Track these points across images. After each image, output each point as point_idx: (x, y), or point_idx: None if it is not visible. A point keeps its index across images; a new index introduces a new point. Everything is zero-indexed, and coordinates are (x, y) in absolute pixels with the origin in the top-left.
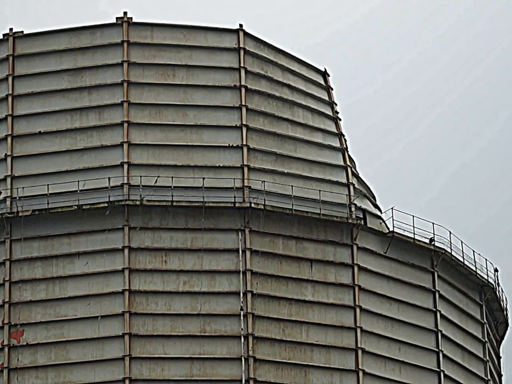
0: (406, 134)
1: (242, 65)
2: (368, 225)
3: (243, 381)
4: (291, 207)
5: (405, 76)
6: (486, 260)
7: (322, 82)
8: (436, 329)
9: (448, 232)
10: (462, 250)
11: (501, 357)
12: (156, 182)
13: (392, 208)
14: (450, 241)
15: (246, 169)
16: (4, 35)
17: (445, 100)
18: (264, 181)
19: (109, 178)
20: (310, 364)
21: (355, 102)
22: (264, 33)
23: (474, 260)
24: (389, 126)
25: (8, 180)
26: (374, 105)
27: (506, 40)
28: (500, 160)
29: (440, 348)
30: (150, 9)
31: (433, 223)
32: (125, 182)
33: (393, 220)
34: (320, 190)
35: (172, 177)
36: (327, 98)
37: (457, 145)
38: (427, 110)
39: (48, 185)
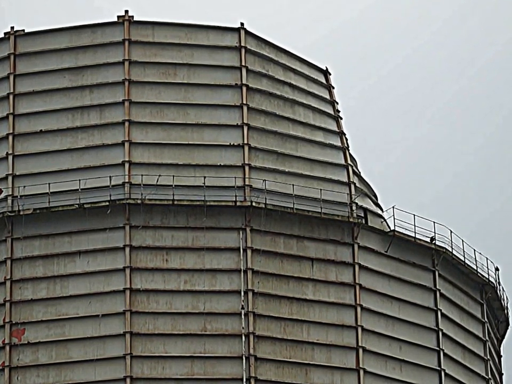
0: (406, 132)
1: (243, 64)
2: (369, 224)
3: (244, 380)
4: (292, 206)
5: (402, 73)
6: (487, 258)
7: (323, 81)
8: (436, 328)
9: (449, 231)
10: (463, 249)
11: (501, 356)
12: (157, 180)
13: (393, 207)
14: (451, 240)
15: (247, 168)
16: (5, 34)
17: (445, 97)
18: (265, 180)
19: (110, 177)
20: (311, 362)
21: (353, 99)
22: (265, 31)
23: (475, 258)
24: (389, 124)
25: (10, 178)
26: (372, 103)
27: (505, 35)
28: (501, 158)
29: (441, 347)
30: (150, 8)
31: (434, 222)
32: (126, 180)
33: (394, 218)
34: (321, 189)
35: (173, 176)
36: (328, 97)
37: (458, 143)
38: (427, 107)
39: (49, 183)
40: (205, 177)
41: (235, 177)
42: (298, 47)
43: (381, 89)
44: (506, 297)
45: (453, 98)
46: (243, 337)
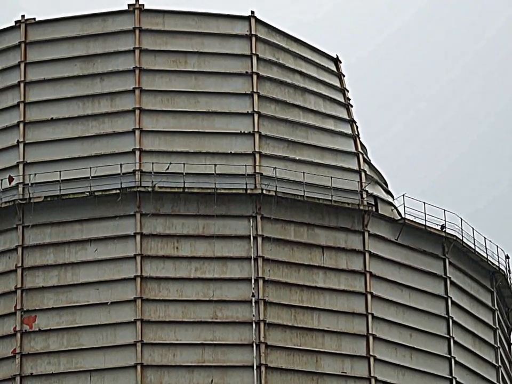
0: (418, 121)
1: (254, 52)
2: (379, 212)
3: (254, 367)
4: (303, 194)
5: (416, 61)
6: (497, 246)
7: (334, 69)
8: (447, 316)
9: (460, 219)
10: (473, 237)
11: (511, 343)
12: (167, 168)
13: (403, 195)
14: (461, 228)
15: (257, 155)
16: (16, 22)
17: (453, 85)
18: (275, 168)
19: (120, 164)
20: (321, 350)
21: (366, 86)
22: (275, 20)
23: (486, 246)
24: (401, 112)
25: (21, 166)
26: (379, 93)
27: None
28: None
29: (451, 334)
30: None
31: (444, 210)
32: (137, 168)
33: (404, 206)
34: (331, 177)
35: (184, 163)
36: (338, 84)
37: (464, 136)
38: (435, 93)
39: (60, 171)
40: (215, 165)
41: (245, 165)
42: (310, 36)
43: (389, 77)
44: None
45: (460, 77)
46: (253, 324)
